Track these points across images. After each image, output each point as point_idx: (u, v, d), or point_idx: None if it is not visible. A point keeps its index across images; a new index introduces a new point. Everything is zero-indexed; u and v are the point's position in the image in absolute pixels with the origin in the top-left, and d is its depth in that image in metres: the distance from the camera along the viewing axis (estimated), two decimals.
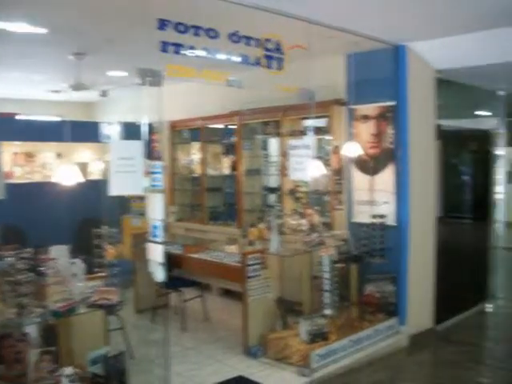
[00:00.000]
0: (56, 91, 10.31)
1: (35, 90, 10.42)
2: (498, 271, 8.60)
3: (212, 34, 4.44)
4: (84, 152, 9.70)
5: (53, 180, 5.00)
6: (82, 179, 4.91)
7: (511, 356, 6.27)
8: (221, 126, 9.04)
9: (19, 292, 3.86)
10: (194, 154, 9.40)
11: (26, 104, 11.30)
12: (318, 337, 5.44)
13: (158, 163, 4.02)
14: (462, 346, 6.39)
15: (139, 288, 7.23)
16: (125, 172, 3.84)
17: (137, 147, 3.95)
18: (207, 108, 8.58)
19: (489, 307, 8.05)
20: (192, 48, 4.34)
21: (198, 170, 9.21)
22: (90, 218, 6.86)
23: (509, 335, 7.13)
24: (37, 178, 9.04)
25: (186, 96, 8.47)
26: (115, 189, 3.84)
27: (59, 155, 9.35)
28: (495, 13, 5.13)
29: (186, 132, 9.50)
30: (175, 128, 9.43)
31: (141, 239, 6.81)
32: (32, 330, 4.19)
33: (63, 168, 5.05)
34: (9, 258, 4.01)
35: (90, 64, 7.22)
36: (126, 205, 8.50)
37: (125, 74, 8.53)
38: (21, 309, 3.90)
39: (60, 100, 11.49)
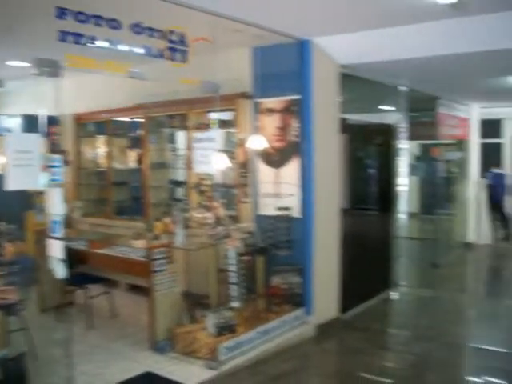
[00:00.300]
0: None
1: None
2: (401, 260, 8.92)
3: (114, 24, 4.34)
4: None
5: None
6: None
7: (413, 340, 6.53)
8: (127, 119, 8.88)
9: None
10: (99, 148, 9.20)
11: None
12: (225, 329, 5.46)
13: (57, 157, 3.89)
14: (366, 332, 6.61)
15: (43, 286, 6.99)
16: (22, 166, 3.70)
17: (34, 140, 3.82)
18: (113, 101, 8.39)
19: (392, 295, 8.34)
20: (93, 38, 4.22)
21: (103, 164, 9.03)
22: None
23: (411, 321, 7.44)
24: None
25: (90, 88, 8.27)
26: (12, 183, 3.69)
27: None
28: (395, 11, 5.29)
29: (91, 125, 9.29)
30: (80, 121, 9.19)
31: (43, 235, 6.64)
32: None
33: None
34: None
35: None
36: (29, 200, 8.21)
37: (26, 64, 8.22)
38: None
39: None
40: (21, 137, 3.96)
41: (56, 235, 3.90)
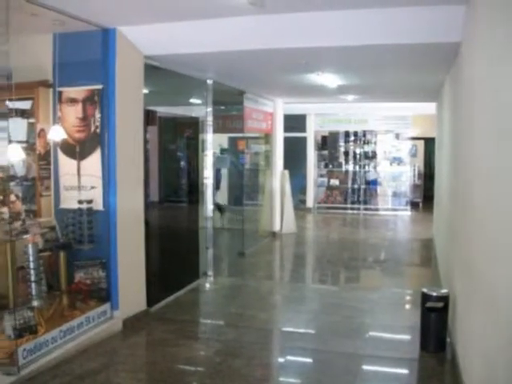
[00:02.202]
0: None
1: None
2: (210, 251, 9.09)
3: None
4: None
5: None
6: None
7: (222, 328, 6.71)
8: None
9: None
10: None
11: None
12: (25, 331, 5.15)
13: None
14: (174, 324, 6.62)
15: None
16: None
17: None
18: None
19: (201, 285, 8.48)
20: None
21: None
22: None
23: (220, 309, 7.61)
24: None
25: None
26: None
27: None
28: (198, 4, 5.35)
29: None
30: None
31: None
32: None
33: None
34: None
35: None
36: None
37: None
38: None
39: None
40: None
41: None
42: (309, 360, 5.79)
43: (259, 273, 9.76)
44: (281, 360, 5.89)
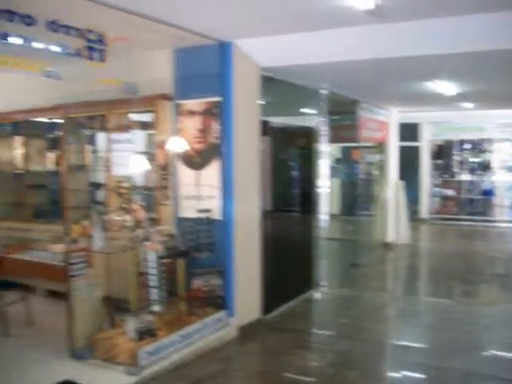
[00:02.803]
0: None
1: None
2: (323, 261, 9.05)
3: (28, 20, 4.20)
4: None
5: None
6: None
7: (335, 339, 6.65)
8: (45, 119, 8.66)
9: None
10: (16, 149, 8.92)
11: None
12: (145, 334, 5.37)
13: None
14: (287, 333, 6.66)
15: None
16: None
17: None
18: (30, 100, 8.16)
19: (314, 295, 8.46)
20: (5, 35, 4.08)
21: (20, 166, 8.75)
22: None
23: (332, 320, 7.56)
24: None
25: (5, 87, 7.99)
26: None
27: None
28: (314, 15, 5.37)
29: (7, 126, 8.99)
30: None
31: None
32: None
33: None
34: None
35: None
36: None
37: None
38: None
39: None
40: None
41: None
42: (424, 376, 5.59)
43: (372, 284, 9.63)
44: (396, 375, 5.74)
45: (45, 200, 8.68)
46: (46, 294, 7.73)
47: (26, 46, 4.31)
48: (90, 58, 4.81)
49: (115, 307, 5.87)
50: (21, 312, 6.69)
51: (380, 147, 12.86)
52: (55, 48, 4.55)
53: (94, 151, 7.92)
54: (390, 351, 6.49)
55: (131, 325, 5.35)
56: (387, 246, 12.67)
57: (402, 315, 7.78)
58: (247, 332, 6.50)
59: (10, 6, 4.07)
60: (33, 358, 5.65)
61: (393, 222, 12.92)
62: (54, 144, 8.42)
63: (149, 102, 6.43)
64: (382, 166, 12.92)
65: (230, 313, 6.42)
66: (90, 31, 4.78)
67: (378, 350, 6.31)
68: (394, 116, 13.17)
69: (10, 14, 4.10)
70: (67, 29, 4.58)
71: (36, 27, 4.28)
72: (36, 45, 4.39)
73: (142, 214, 5.67)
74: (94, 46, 4.84)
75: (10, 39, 4.14)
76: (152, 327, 5.45)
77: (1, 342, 6.07)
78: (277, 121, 7.68)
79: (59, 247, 6.38)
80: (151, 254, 5.73)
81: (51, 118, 8.49)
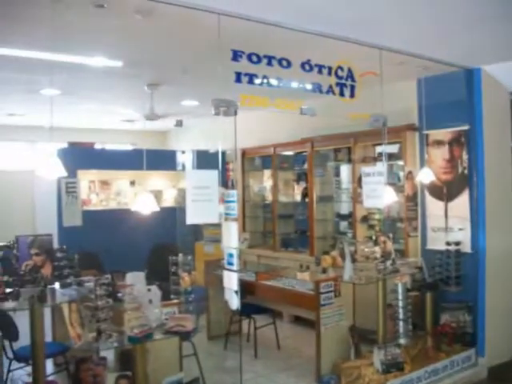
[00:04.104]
0: (130, 121, 10.63)
1: (110, 120, 10.77)
2: None
3: (284, 63, 4.48)
4: (157, 180, 9.90)
5: (131, 208, 5.10)
6: (157, 207, 4.98)
7: None
8: (291, 152, 9.09)
9: (98, 317, 3.97)
10: (265, 182, 9.48)
11: (102, 133, 11.69)
12: (392, 367, 5.31)
13: (232, 192, 4.07)
14: None
15: (212, 315, 7.28)
16: (201, 201, 3.91)
17: (213, 176, 4.02)
18: (278, 135, 8.66)
19: None
20: (265, 78, 4.39)
21: (269, 197, 9.28)
22: (164, 244, 7.02)
23: None
24: (112, 205, 9.29)
25: (256, 124, 8.55)
26: (192, 217, 3.90)
27: (133, 183, 9.59)
28: None
29: (257, 159, 9.60)
30: (246, 155, 9.53)
31: (213, 266, 6.94)
32: (109, 355, 4.29)
33: (140, 196, 5.16)
34: (88, 284, 4.13)
35: (163, 94, 7.44)
36: (200, 231, 8.60)
37: (196, 103, 8.72)
38: (99, 334, 3.99)
39: (134, 129, 11.86)
40: (201, 173, 4.15)
41: (231, 267, 4.05)
42: None
43: None
44: None
45: (291, 230, 9.06)
46: (291, 320, 8.04)
47: (283, 87, 4.58)
48: (341, 94, 4.96)
49: (362, 337, 5.91)
50: (269, 336, 7.04)
51: None
52: (308, 87, 4.77)
53: (339, 183, 8.12)
54: None
55: (378, 356, 5.34)
56: None
57: None
58: (498, 374, 6.09)
59: (268, 51, 4.37)
60: (280, 380, 5.91)
61: None
62: (301, 176, 8.79)
63: (395, 133, 6.45)
64: None
65: (480, 352, 6.10)
66: (339, 68, 4.93)
67: None
68: None
69: (269, 59, 4.39)
70: (319, 67, 4.78)
71: (291, 69, 4.54)
72: (292, 85, 4.66)
73: (390, 246, 5.66)
74: (344, 82, 4.98)
75: (270, 81, 4.43)
76: (399, 360, 5.37)
77: (251, 363, 6.40)
78: None
79: (306, 276, 6.59)
80: (400, 285, 5.70)
81: (297, 152, 8.88)
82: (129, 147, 12.06)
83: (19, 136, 10.70)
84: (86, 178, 9.13)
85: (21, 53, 5.30)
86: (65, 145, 8.73)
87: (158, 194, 9.13)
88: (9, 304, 4.15)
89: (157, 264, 5.04)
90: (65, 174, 4.17)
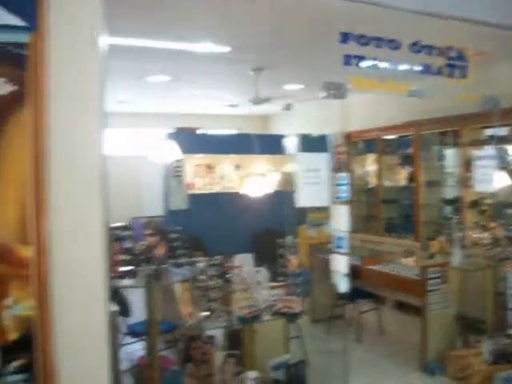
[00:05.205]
0: (233, 105, 10.78)
1: (214, 105, 10.97)
2: None
3: (393, 45, 4.40)
4: (261, 164, 9.97)
5: (239, 191, 5.20)
6: (269, 190, 5.03)
7: None
8: (395, 136, 8.94)
9: (209, 297, 4.08)
10: (368, 166, 9.38)
11: (206, 118, 11.93)
12: (501, 358, 5.14)
13: (343, 175, 4.05)
14: None
15: (315, 298, 7.31)
16: (311, 184, 3.92)
17: (323, 159, 4.02)
18: (381, 119, 8.53)
19: None
20: (374, 60, 4.33)
21: (373, 182, 9.18)
22: (269, 227, 7.10)
23: None
24: (216, 188, 9.45)
25: (360, 107, 8.46)
26: (303, 200, 3.92)
27: (237, 167, 9.72)
28: None
29: (361, 143, 9.51)
30: (351, 139, 9.45)
31: (317, 249, 6.96)
32: (218, 334, 4.41)
33: (251, 179, 5.24)
34: (199, 264, 4.26)
35: (266, 78, 7.50)
36: (302, 215, 8.60)
37: (299, 87, 8.72)
38: (210, 313, 4.11)
39: (237, 114, 12.02)
40: (311, 156, 4.16)
41: (341, 251, 4.04)
42: None
43: None
44: None
45: (395, 214, 8.93)
46: (394, 305, 7.94)
47: (391, 69, 4.51)
48: (451, 76, 4.81)
49: (469, 326, 5.77)
50: (372, 321, 7.00)
51: None
52: (417, 68, 4.67)
53: (443, 167, 7.91)
54: None
55: (487, 347, 5.19)
56: None
57: None
58: None
59: (377, 33, 4.31)
60: (383, 366, 5.86)
61: None
62: (405, 160, 8.64)
63: (507, 115, 6.19)
64: None
65: None
66: (449, 48, 4.78)
67: None
68: None
69: (378, 41, 4.33)
70: (429, 49, 4.66)
71: (400, 50, 4.45)
72: (401, 67, 4.57)
73: (500, 232, 5.48)
74: (455, 63, 4.83)
75: (379, 63, 4.37)
76: (509, 352, 5.21)
77: (354, 347, 6.38)
78: None
79: (411, 261, 6.50)
80: (510, 273, 5.52)
81: (401, 135, 8.73)
82: (233, 131, 12.24)
83: (129, 122, 11.09)
84: (191, 162, 9.33)
85: (131, 41, 5.49)
86: (171, 130, 8.96)
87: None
88: (126, 281, 4.36)
89: (262, 247, 5.09)
90: (181, 156, 4.31)
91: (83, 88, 2.32)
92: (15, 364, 2.16)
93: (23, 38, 2.12)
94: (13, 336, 2.18)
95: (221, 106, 10.89)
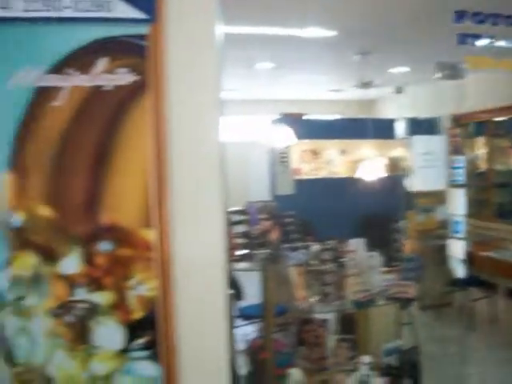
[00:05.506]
0: (336, 90, 10.69)
1: (316, 91, 10.93)
2: None
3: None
4: (366, 149, 9.85)
5: (356, 175, 5.18)
6: (384, 174, 4.97)
7: None
8: (506, 118, 8.57)
9: (323, 281, 4.10)
10: (478, 149, 9.08)
11: (309, 104, 11.89)
12: None
13: (459, 157, 3.97)
14: None
15: (424, 284, 7.16)
16: (428, 167, 3.86)
17: (439, 142, 3.95)
18: (494, 100, 8.20)
19: None
20: (491, 37, 4.18)
21: (482, 165, 8.88)
22: (379, 212, 7.02)
23: None
24: (322, 174, 9.43)
25: (472, 88, 8.18)
26: (418, 184, 3.87)
27: (342, 152, 9.64)
28: None
29: (470, 126, 9.20)
30: (460, 122, 9.14)
31: (427, 235, 6.81)
32: (331, 318, 4.44)
33: (366, 163, 5.21)
34: (314, 248, 4.28)
35: (370, 62, 7.39)
36: (410, 200, 8.45)
37: (407, 69, 8.54)
38: (323, 297, 4.13)
39: (339, 99, 11.92)
40: (426, 139, 4.10)
41: (458, 235, 3.96)
42: None
43: None
44: None
45: (508, 199, 8.60)
46: (507, 294, 7.67)
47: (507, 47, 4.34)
48: None
49: None
50: (481, 309, 6.79)
51: None
52: None
53: None
54: None
55: None
56: None
57: None
58: None
59: (496, 10, 4.14)
60: (496, 355, 5.69)
61: None
62: None
63: None
64: None
65: None
66: None
67: None
68: None
69: (495, 18, 4.17)
70: None
71: None
72: None
73: None
74: None
75: (497, 42, 4.22)
76: None
77: (467, 335, 6.23)
78: None
79: None
80: None
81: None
82: (336, 117, 12.15)
83: (237, 110, 11.24)
84: (297, 148, 9.32)
85: (242, 29, 5.56)
86: (277, 116, 9.01)
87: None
88: (242, 265, 4.45)
89: (373, 231, 5.05)
90: (296, 141, 4.33)
91: (201, 77, 2.37)
92: (140, 341, 2.26)
93: (143, 30, 2.20)
94: (138, 315, 2.28)
95: (323, 91, 10.83)
